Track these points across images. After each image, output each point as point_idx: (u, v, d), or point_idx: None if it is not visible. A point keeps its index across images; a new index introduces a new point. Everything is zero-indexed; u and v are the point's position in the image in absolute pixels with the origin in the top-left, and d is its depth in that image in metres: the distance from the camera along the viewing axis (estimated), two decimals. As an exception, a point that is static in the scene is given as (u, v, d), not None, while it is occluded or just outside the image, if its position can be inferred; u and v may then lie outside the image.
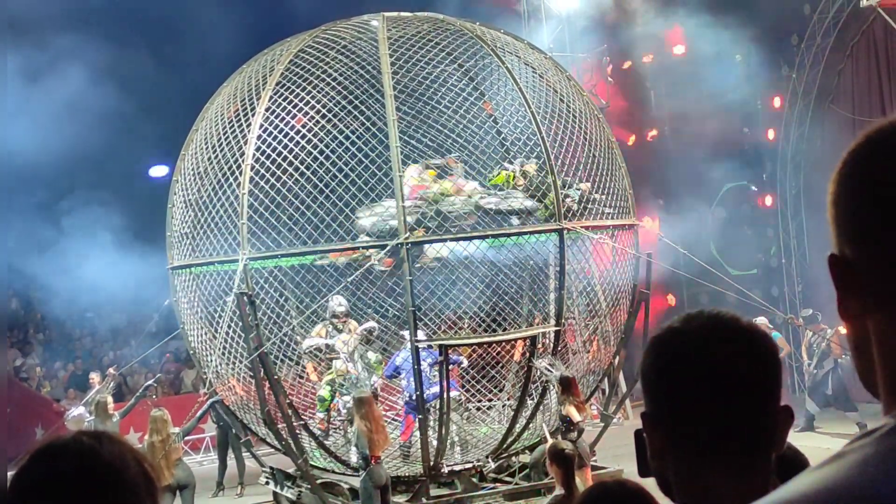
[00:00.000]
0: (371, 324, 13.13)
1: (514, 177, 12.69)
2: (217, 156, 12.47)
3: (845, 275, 1.18)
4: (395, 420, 13.39)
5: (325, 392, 12.52)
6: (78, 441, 1.64)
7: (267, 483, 13.18)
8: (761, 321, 14.61)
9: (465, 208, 11.92)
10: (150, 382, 14.88)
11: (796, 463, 2.82)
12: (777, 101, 19.95)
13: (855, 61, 18.15)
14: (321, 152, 12.10)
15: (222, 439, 14.88)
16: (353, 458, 11.76)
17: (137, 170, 24.25)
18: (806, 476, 1.08)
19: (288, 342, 13.13)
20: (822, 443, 13.36)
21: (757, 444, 1.59)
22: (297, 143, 12.08)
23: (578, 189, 12.43)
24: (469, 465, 12.29)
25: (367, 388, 11.84)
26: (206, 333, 12.75)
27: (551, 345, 12.22)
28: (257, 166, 11.98)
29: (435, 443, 11.73)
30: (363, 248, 11.87)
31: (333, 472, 12.62)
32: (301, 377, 13.50)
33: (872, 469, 1.04)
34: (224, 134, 12.52)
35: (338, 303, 12.57)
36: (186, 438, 13.33)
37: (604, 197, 12.67)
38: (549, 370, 11.63)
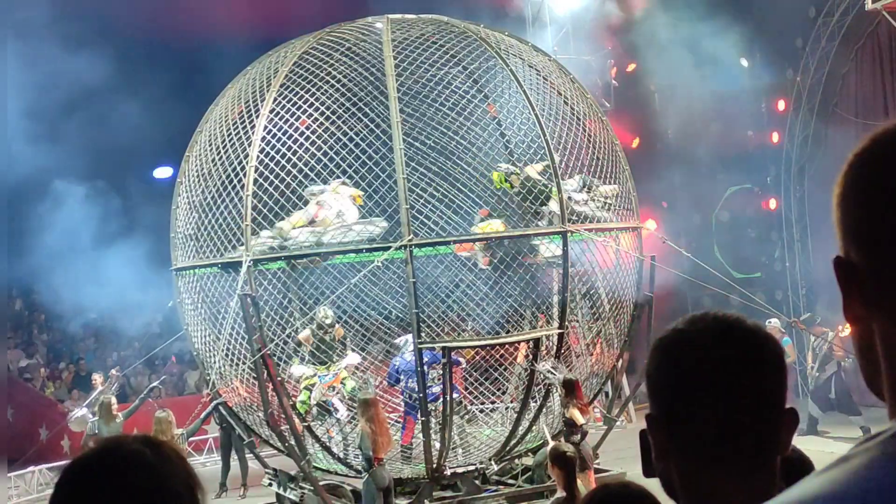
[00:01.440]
0: (354, 358, 13.09)
1: (506, 178, 12.68)
2: (221, 157, 12.49)
3: (850, 277, 1.18)
4: (397, 423, 13.38)
5: (303, 396, 12.52)
6: (141, 453, 1.64)
7: (270, 484, 13.18)
8: (774, 324, 14.58)
9: (307, 240, 11.87)
10: (155, 384, 14.93)
11: (802, 466, 2.82)
12: (781, 105, 19.93)
13: (860, 64, 18.13)
14: (325, 154, 12.12)
15: (225, 441, 14.89)
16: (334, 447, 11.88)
17: (142, 171, 24.28)
18: (812, 479, 1.08)
19: (291, 343, 13.13)
20: (825, 446, 13.32)
21: (762, 447, 1.59)
22: (301, 144, 12.09)
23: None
24: (472, 468, 12.28)
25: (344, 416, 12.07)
26: (209, 335, 12.76)
27: (554, 347, 12.21)
28: (261, 168, 11.99)
29: (437, 445, 11.73)
30: (367, 249, 11.87)
31: (336, 473, 12.62)
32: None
33: (878, 472, 1.04)
34: (228, 136, 12.53)
35: (324, 314, 12.63)
36: (190, 440, 13.33)
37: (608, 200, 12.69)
38: (552, 373, 11.63)
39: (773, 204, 20.42)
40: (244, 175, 11.94)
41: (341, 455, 12.24)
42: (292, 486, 12.54)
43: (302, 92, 12.25)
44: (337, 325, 12.90)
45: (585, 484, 9.68)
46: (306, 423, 12.27)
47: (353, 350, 13.37)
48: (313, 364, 12.52)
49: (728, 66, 19.22)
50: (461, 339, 13.51)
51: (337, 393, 12.42)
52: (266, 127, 12.11)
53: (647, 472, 1.72)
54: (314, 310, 12.66)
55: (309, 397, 12.43)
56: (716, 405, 1.57)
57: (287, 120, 12.16)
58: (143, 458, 1.63)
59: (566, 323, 12.22)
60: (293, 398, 12.34)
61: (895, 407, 1.14)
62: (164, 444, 1.69)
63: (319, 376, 12.44)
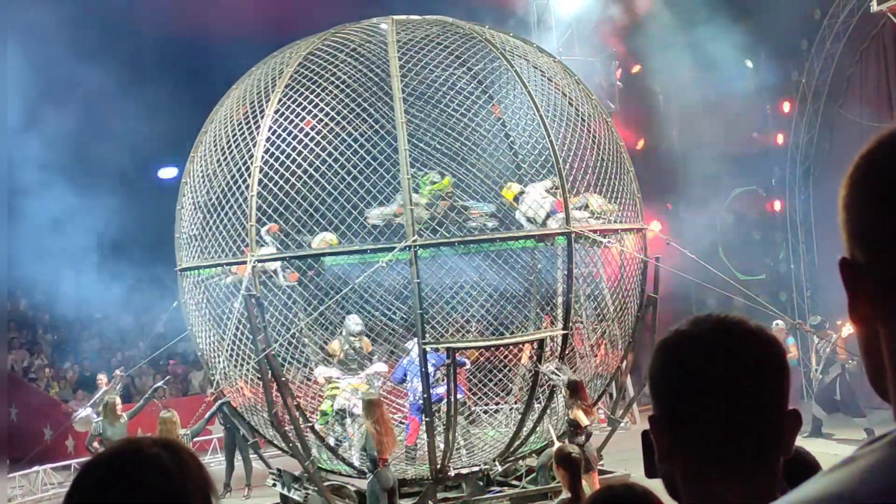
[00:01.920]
0: (381, 366, 13.13)
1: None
2: (226, 158, 12.50)
3: (856, 278, 1.18)
4: (402, 423, 13.38)
5: (325, 406, 12.55)
6: (158, 457, 1.64)
7: (274, 485, 13.18)
8: (781, 326, 14.56)
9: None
10: (160, 384, 14.92)
11: (808, 467, 2.81)
12: (786, 106, 19.92)
13: (864, 66, 18.11)
14: (330, 155, 12.13)
15: (230, 441, 14.90)
16: (356, 458, 11.87)
17: (147, 171, 24.33)
18: (817, 480, 1.08)
19: (296, 344, 13.15)
20: (829, 448, 13.30)
21: (764, 448, 1.59)
22: (306, 145, 12.10)
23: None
24: (476, 469, 12.28)
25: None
26: (214, 335, 12.77)
27: (559, 348, 12.20)
28: (266, 168, 12.00)
29: (441, 445, 11.73)
30: (371, 250, 11.88)
31: (340, 474, 12.63)
32: (309, 379, 13.52)
33: (882, 474, 1.04)
34: (233, 136, 12.54)
35: (355, 322, 12.71)
36: (194, 440, 13.35)
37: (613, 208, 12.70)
38: (556, 374, 11.62)
39: (777, 205, 20.40)
40: (249, 176, 11.95)
41: (357, 463, 12.20)
42: (296, 486, 12.55)
43: (307, 93, 12.26)
44: (365, 339, 12.97)
45: (590, 485, 9.68)
46: (310, 424, 12.27)
47: (379, 360, 13.48)
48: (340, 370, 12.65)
49: (733, 67, 19.20)
50: (465, 339, 13.51)
51: (360, 398, 12.43)
52: (271, 128, 12.12)
53: (650, 473, 1.72)
54: (345, 319, 12.86)
55: (331, 407, 12.43)
56: (718, 406, 1.57)
57: (292, 121, 12.17)
58: (161, 462, 1.63)
59: (570, 324, 12.22)
60: (297, 398, 12.34)
61: (899, 408, 1.14)
62: (182, 449, 1.69)
63: (344, 381, 12.50)
